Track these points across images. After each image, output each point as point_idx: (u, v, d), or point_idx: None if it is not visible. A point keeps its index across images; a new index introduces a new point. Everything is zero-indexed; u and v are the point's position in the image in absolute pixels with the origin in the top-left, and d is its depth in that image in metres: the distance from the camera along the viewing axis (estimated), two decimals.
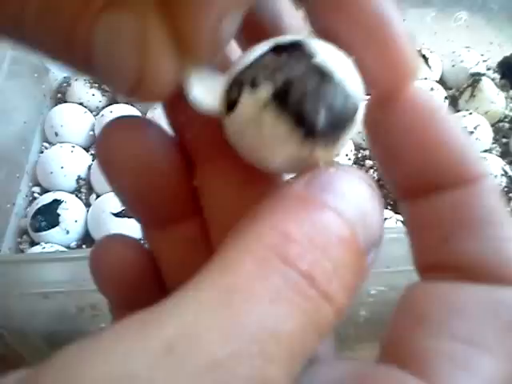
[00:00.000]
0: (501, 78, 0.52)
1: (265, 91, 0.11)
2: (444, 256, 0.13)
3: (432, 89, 0.48)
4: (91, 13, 0.10)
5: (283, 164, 0.12)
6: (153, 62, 0.10)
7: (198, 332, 0.09)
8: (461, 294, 0.12)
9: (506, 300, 0.12)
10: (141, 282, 0.15)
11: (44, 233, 0.39)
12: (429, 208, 0.13)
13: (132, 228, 0.38)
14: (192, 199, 0.15)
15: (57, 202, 0.40)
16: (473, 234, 0.12)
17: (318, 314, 0.10)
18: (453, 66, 0.51)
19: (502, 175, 0.42)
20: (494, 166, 0.42)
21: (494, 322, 0.11)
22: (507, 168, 0.43)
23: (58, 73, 0.52)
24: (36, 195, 0.44)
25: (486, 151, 0.45)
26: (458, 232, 0.13)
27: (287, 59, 0.11)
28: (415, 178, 0.13)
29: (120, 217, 0.39)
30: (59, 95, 0.52)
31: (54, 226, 0.39)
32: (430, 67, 0.51)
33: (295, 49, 0.11)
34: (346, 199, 0.11)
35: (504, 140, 0.47)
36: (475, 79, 0.48)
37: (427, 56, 0.51)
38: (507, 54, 0.53)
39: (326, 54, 0.11)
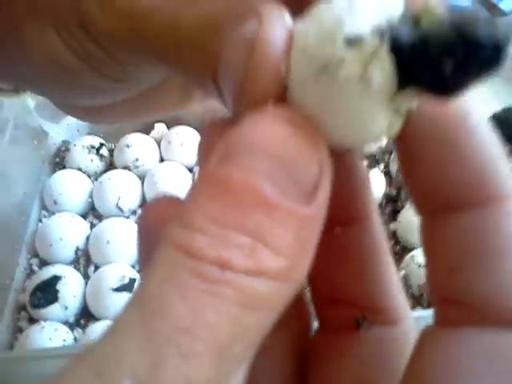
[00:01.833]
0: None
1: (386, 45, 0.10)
2: (450, 290, 0.12)
3: None
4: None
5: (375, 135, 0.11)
6: (260, 62, 0.11)
7: (118, 351, 0.09)
8: (464, 348, 0.11)
9: (508, 350, 0.11)
10: None
11: (43, 310, 0.39)
12: (442, 230, 0.12)
13: None
14: None
15: (56, 278, 0.40)
16: (483, 265, 0.11)
17: (247, 293, 0.09)
18: None
19: None
20: None
21: (496, 376, 0.11)
22: None
23: (56, 137, 0.53)
24: (34, 267, 0.44)
25: None
26: (467, 262, 0.11)
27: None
28: (433, 192, 0.12)
29: (119, 291, 0.39)
30: (57, 159, 0.53)
31: (52, 303, 0.39)
32: None
33: None
34: (259, 155, 0.10)
35: None
36: None
37: None
38: (493, 111, 0.54)
39: None
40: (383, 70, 0.10)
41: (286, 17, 0.11)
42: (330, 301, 0.14)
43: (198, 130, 0.51)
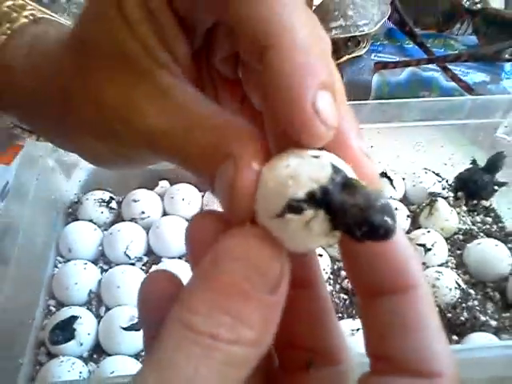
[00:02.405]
0: (457, 192, 0.60)
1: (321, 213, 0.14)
2: (381, 350, 0.16)
3: (396, 208, 0.56)
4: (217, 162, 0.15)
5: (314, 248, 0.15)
6: (236, 196, 0.15)
7: None
8: None
9: None
10: None
11: (61, 346, 0.44)
12: (375, 309, 0.16)
13: (139, 339, 0.44)
14: None
15: (74, 318, 0.45)
16: (404, 334, 0.15)
17: (230, 356, 0.13)
18: (413, 185, 0.60)
19: (456, 288, 0.49)
20: (448, 279, 0.50)
21: None
22: (460, 281, 0.50)
23: (70, 191, 0.60)
24: (51, 308, 0.49)
25: (442, 265, 0.53)
26: (393, 331, 0.16)
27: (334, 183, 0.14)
28: (366, 283, 0.16)
29: (128, 330, 0.45)
30: (70, 210, 0.59)
31: (70, 340, 0.44)
32: (394, 187, 0.59)
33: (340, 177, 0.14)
34: (237, 261, 0.14)
35: (458, 252, 0.55)
36: (432, 199, 0.57)
37: (392, 177, 0.59)
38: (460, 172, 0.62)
39: (347, 170, 0.15)
40: (320, 222, 0.14)
41: (256, 161, 0.15)
42: (287, 346, 0.18)
43: (196, 187, 0.58)
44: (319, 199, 0.14)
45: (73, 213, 0.58)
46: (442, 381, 0.15)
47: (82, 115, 0.19)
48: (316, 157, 0.15)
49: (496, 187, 0.59)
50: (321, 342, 0.18)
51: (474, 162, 0.60)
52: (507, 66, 0.75)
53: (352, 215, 0.14)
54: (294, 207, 0.14)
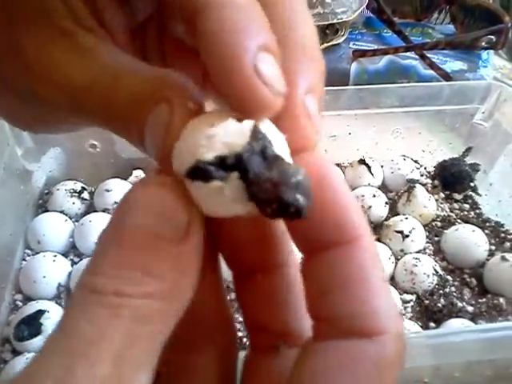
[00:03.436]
0: (435, 180, 0.60)
1: (235, 175, 0.13)
2: (321, 309, 0.15)
3: (374, 195, 0.56)
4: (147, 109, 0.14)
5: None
6: (171, 140, 0.14)
7: (43, 365, 0.12)
8: (323, 354, 0.14)
9: (358, 355, 0.13)
10: None
11: (26, 342, 0.42)
12: (315, 264, 0.15)
13: None
14: None
15: (40, 313, 0.43)
16: (344, 290, 0.14)
17: (140, 311, 0.13)
18: (392, 172, 0.59)
19: (434, 274, 0.49)
20: (426, 266, 0.49)
21: (350, 376, 0.13)
22: (437, 267, 0.50)
23: (40, 181, 0.58)
24: (18, 302, 0.47)
25: (419, 252, 0.52)
26: (332, 288, 0.14)
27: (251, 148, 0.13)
28: (307, 236, 0.15)
29: None
30: (40, 201, 0.57)
31: (36, 335, 0.42)
32: (372, 174, 0.58)
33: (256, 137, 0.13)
34: (142, 211, 0.13)
35: (436, 238, 0.54)
36: (410, 186, 0.56)
37: (370, 164, 0.59)
38: (438, 160, 0.61)
39: (276, 141, 0.14)
40: (234, 189, 0.13)
41: (192, 104, 0.14)
42: (257, 328, 0.18)
43: None
44: (231, 166, 0.13)
45: (43, 204, 0.57)
46: (383, 339, 0.14)
47: (2, 72, 0.18)
48: (239, 120, 0.14)
49: (472, 184, 0.58)
50: (290, 324, 0.17)
51: (465, 152, 0.60)
52: (484, 54, 0.75)
53: (263, 190, 0.13)
54: (200, 169, 0.13)
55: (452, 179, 0.58)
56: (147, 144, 0.15)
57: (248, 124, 0.14)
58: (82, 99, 0.16)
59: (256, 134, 0.13)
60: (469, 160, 0.60)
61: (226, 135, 0.13)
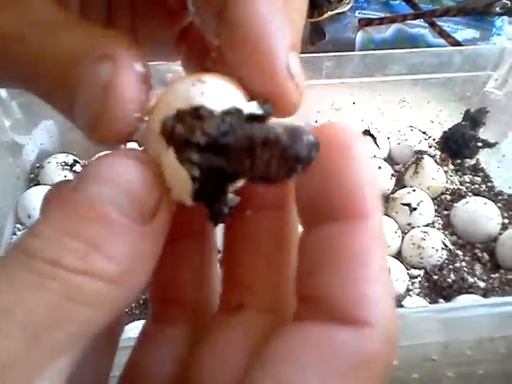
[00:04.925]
0: (442, 152, 0.57)
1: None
2: (307, 286, 0.13)
3: (380, 167, 0.53)
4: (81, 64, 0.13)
5: None
6: (113, 101, 0.13)
7: None
8: (298, 337, 0.12)
9: (336, 344, 0.12)
10: None
11: None
12: (312, 237, 0.13)
13: None
14: None
15: None
16: (336, 270, 0.12)
17: (73, 288, 0.11)
18: (398, 144, 0.56)
19: (443, 249, 0.46)
20: (434, 240, 0.47)
21: (320, 367, 0.12)
22: (447, 241, 0.47)
23: (30, 154, 0.55)
24: None
25: (428, 225, 0.50)
26: (324, 266, 0.13)
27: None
28: (313, 204, 0.13)
29: None
30: (32, 175, 0.55)
31: None
32: (378, 145, 0.56)
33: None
34: (104, 183, 0.12)
35: (445, 212, 0.52)
36: (418, 157, 0.53)
37: (375, 135, 0.56)
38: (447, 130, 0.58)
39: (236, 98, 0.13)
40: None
41: (137, 64, 0.13)
42: (233, 281, 0.15)
43: None
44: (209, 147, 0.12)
45: (34, 178, 0.54)
46: (369, 332, 0.12)
47: None
48: (202, 82, 0.13)
49: (479, 144, 0.55)
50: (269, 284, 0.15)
51: (465, 116, 0.57)
52: (498, 21, 0.71)
53: (270, 153, 0.12)
54: (167, 130, 0.13)
55: (457, 146, 0.55)
56: (77, 110, 0.13)
57: (209, 84, 0.13)
58: (10, 50, 0.14)
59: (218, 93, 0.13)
60: (482, 132, 0.57)
61: (181, 96, 0.13)
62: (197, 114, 0.12)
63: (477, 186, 0.54)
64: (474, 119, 0.55)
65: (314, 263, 0.13)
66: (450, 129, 0.56)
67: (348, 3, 0.75)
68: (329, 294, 0.12)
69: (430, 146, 0.57)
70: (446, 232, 0.50)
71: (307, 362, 0.12)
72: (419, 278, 0.45)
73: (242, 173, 0.12)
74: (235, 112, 0.13)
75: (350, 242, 0.13)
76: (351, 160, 0.13)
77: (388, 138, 0.57)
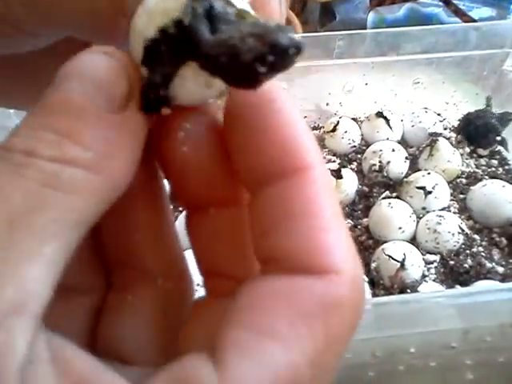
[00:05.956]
0: (459, 134, 0.55)
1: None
2: (264, 249, 0.13)
3: (393, 150, 0.51)
4: None
5: None
6: None
7: None
8: (264, 288, 0.13)
9: (301, 289, 0.12)
10: None
11: None
12: (259, 201, 0.13)
13: None
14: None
15: None
16: (289, 226, 0.13)
17: (48, 174, 0.11)
18: (412, 126, 0.55)
19: (459, 233, 0.45)
20: (451, 224, 0.45)
21: (288, 311, 0.12)
22: (463, 226, 0.46)
23: None
24: None
25: (444, 209, 0.48)
26: (276, 225, 0.13)
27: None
28: (254, 170, 0.13)
29: None
30: None
31: None
32: (391, 128, 0.54)
33: None
34: (78, 78, 0.12)
35: (461, 196, 0.50)
36: (433, 139, 0.52)
37: (388, 117, 0.54)
38: (463, 113, 0.56)
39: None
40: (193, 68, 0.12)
41: None
42: (211, 271, 0.16)
43: None
44: (174, 35, 0.12)
45: None
46: (336, 278, 0.12)
47: None
48: None
49: (498, 138, 0.53)
50: (243, 267, 0.15)
51: (488, 102, 0.55)
52: None
53: (249, 47, 0.11)
54: (151, 49, 0.12)
55: (476, 133, 0.53)
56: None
57: None
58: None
59: None
60: (496, 111, 0.55)
61: (163, 5, 0.12)
62: None
63: (493, 169, 0.52)
64: (501, 119, 0.53)
65: (266, 225, 0.13)
66: (470, 113, 0.54)
67: None
68: (287, 249, 0.13)
69: (445, 128, 0.55)
70: (462, 216, 0.48)
71: (275, 308, 0.12)
72: (435, 264, 0.44)
73: (214, 51, 0.12)
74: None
75: (296, 196, 0.13)
76: (277, 114, 0.13)
77: (401, 121, 0.56)
